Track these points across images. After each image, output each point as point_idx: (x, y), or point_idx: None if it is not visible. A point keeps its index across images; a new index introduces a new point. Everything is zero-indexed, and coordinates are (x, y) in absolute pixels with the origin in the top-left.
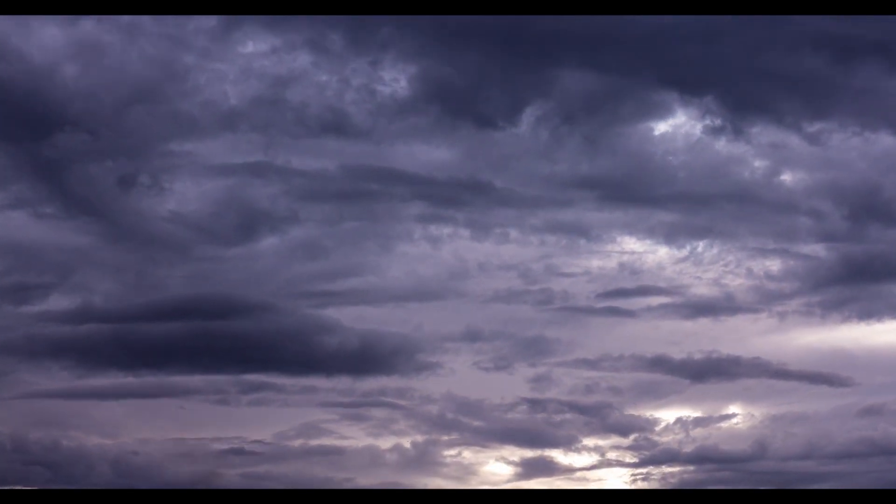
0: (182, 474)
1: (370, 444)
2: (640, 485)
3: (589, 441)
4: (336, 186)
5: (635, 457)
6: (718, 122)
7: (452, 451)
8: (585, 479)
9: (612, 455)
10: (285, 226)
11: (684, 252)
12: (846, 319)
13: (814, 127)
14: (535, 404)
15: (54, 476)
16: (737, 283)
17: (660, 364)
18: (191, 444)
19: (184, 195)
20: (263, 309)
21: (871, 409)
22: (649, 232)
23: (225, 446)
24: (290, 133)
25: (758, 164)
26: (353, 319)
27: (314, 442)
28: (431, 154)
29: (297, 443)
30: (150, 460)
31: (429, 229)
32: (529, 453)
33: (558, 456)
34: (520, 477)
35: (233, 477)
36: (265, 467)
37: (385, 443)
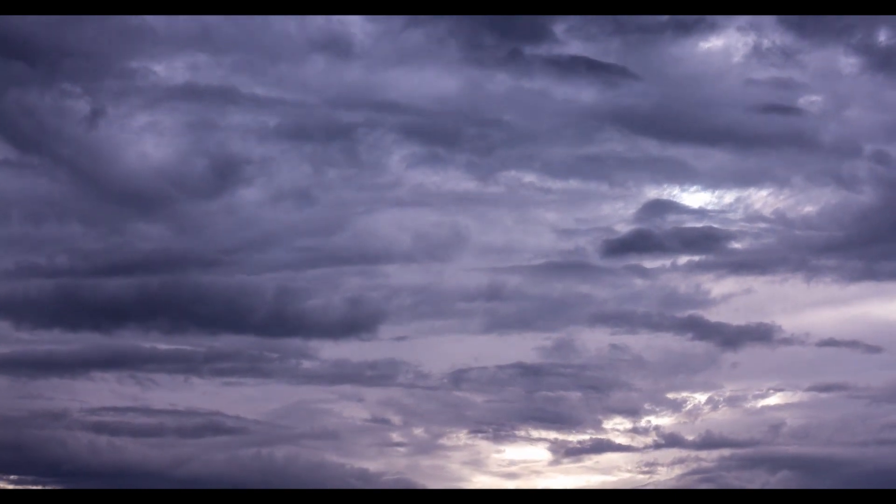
0: (163, 457)
1: (370, 425)
2: (669, 470)
3: (614, 422)
4: (319, 121)
5: (659, 440)
6: (778, 40)
7: (465, 434)
8: (610, 467)
9: (636, 437)
10: (260, 172)
11: (727, 200)
12: None
13: None
14: (547, 376)
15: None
16: (784, 236)
17: (691, 328)
18: (160, 418)
19: (143, 134)
20: (231, 266)
21: None
22: (687, 176)
23: (200, 421)
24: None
25: (816, 97)
26: (336, 280)
27: (303, 421)
28: (427, 83)
29: (281, 422)
30: (118, 442)
31: (425, 174)
32: (555, 435)
33: (584, 438)
34: (551, 464)
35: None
36: (251, 450)
37: (387, 422)
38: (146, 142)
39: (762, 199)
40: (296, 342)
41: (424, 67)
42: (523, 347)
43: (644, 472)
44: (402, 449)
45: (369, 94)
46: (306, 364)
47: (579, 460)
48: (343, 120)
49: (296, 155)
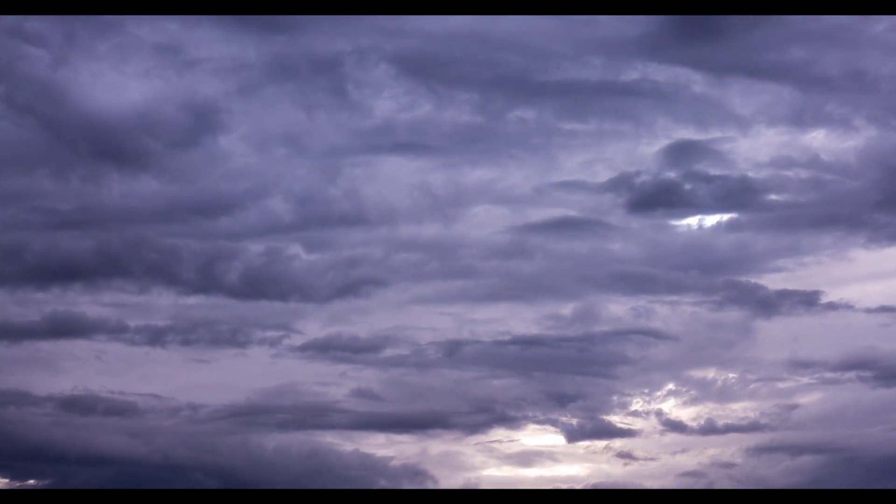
0: (146, 446)
1: (367, 406)
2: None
3: (634, 404)
4: (303, 56)
5: (676, 424)
6: None
7: (469, 414)
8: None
9: (654, 421)
10: (237, 118)
11: (777, 142)
12: None
13: None
14: (559, 350)
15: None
16: (833, 188)
17: (726, 290)
18: (132, 399)
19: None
20: (209, 223)
21: None
22: (729, 116)
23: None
24: None
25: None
26: (326, 240)
27: (292, 401)
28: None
29: (269, 402)
30: (93, 423)
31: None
32: (579, 420)
33: (600, 421)
34: (564, 451)
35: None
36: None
37: (384, 401)
38: (112, 73)
39: (816, 140)
40: (278, 307)
41: None
42: (533, 316)
43: (655, 459)
44: (406, 435)
45: (359, 20)
46: (292, 336)
47: (594, 446)
48: (329, 50)
49: (279, 96)
